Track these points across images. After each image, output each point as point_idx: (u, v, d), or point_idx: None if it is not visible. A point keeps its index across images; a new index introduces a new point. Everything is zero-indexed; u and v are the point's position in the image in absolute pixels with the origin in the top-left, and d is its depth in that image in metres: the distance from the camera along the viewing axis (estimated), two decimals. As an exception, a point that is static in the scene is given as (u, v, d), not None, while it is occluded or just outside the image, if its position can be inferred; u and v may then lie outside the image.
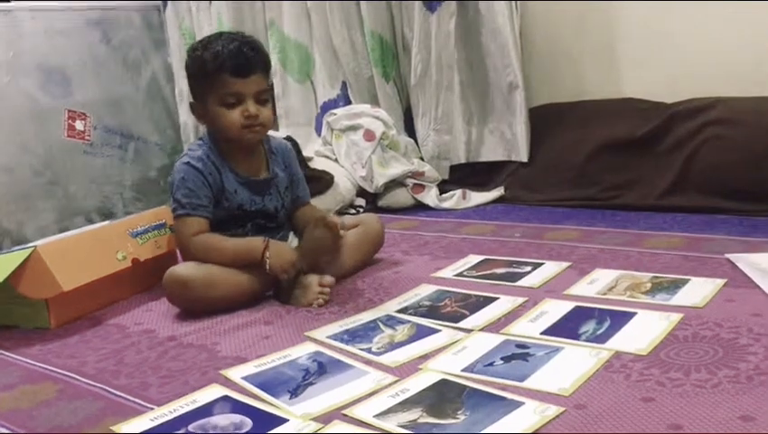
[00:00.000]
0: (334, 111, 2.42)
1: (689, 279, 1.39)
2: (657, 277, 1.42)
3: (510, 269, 1.57)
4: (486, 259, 1.66)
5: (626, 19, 2.18)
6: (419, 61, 2.37)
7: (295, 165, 1.67)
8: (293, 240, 1.62)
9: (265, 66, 1.54)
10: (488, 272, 1.57)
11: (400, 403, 1.01)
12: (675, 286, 1.36)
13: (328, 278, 1.47)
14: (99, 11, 2.78)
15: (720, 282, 1.35)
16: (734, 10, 1.97)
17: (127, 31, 2.87)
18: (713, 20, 2.02)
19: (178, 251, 1.67)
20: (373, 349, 1.21)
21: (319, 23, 2.54)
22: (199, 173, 1.50)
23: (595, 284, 1.42)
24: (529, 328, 1.23)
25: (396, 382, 1.08)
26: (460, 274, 1.58)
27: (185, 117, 2.94)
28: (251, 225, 1.56)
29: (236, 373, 1.16)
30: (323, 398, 1.06)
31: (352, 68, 2.52)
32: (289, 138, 2.05)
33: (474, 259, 1.67)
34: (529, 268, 1.56)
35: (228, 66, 1.47)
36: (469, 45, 2.33)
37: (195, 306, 1.45)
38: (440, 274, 1.59)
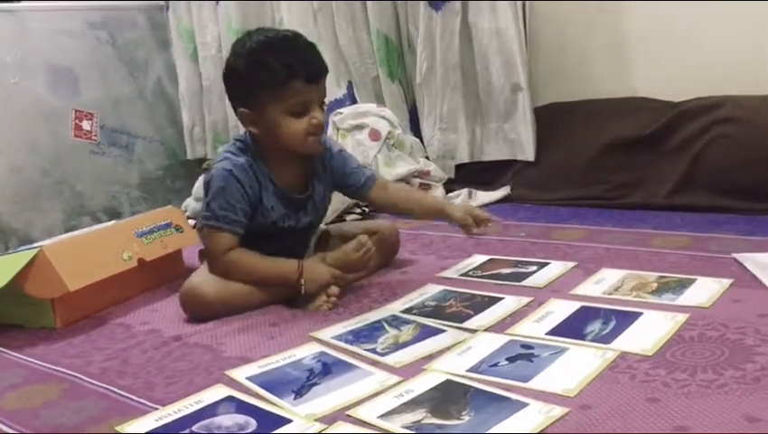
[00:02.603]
0: (340, 110, 2.42)
1: (696, 279, 1.38)
2: (663, 276, 1.41)
3: (516, 269, 1.56)
4: (492, 259, 1.66)
5: (633, 18, 2.17)
6: (424, 60, 2.36)
7: (338, 160, 1.56)
8: (309, 251, 1.60)
9: (327, 69, 1.46)
10: (493, 272, 1.57)
11: (404, 404, 1.01)
12: (681, 285, 1.36)
13: (334, 289, 1.45)
14: (104, 11, 2.80)
15: (727, 282, 1.35)
16: (741, 8, 1.96)
17: (132, 31, 2.89)
18: (720, 18, 2.00)
19: (200, 255, 1.65)
20: (378, 349, 1.21)
21: (325, 23, 2.54)
22: (240, 185, 1.42)
23: (601, 284, 1.41)
24: (534, 328, 1.23)
25: (400, 382, 1.08)
26: (465, 274, 1.58)
27: (186, 116, 2.95)
28: (278, 244, 1.48)
29: (240, 374, 1.16)
30: (327, 398, 1.06)
31: (358, 67, 2.52)
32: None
33: (480, 258, 1.67)
34: (534, 268, 1.55)
35: (301, 73, 1.37)
36: (474, 45, 2.32)
37: (207, 317, 1.42)
38: (445, 274, 1.58)
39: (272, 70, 1.37)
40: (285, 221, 1.49)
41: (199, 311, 1.43)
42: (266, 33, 1.46)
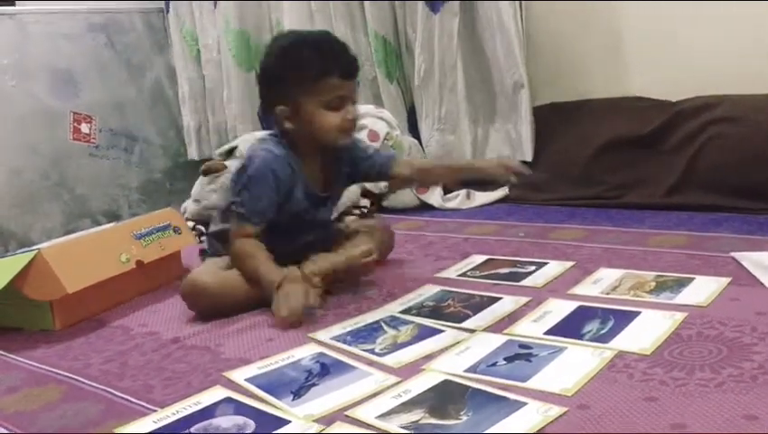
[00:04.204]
0: (338, 112, 2.42)
1: (694, 278, 1.38)
2: (661, 275, 1.41)
3: (514, 269, 1.56)
4: (490, 259, 1.66)
5: (630, 17, 2.17)
6: (422, 61, 2.36)
7: (356, 152, 1.59)
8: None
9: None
10: (491, 272, 1.57)
11: (403, 404, 1.01)
12: (679, 284, 1.36)
13: (315, 279, 1.44)
14: (103, 14, 2.80)
15: (725, 281, 1.35)
16: (738, 8, 1.96)
17: (131, 34, 2.89)
18: (717, 18, 2.00)
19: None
20: (377, 350, 1.21)
21: (323, 24, 2.54)
22: (274, 177, 1.45)
23: (599, 283, 1.41)
24: (532, 328, 1.23)
25: (398, 382, 1.08)
26: (463, 274, 1.58)
27: (188, 118, 2.95)
28: (302, 242, 1.52)
29: (239, 375, 1.16)
30: (325, 399, 1.06)
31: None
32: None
33: (478, 259, 1.67)
34: (532, 268, 1.55)
35: (336, 68, 1.42)
36: (473, 45, 2.33)
37: (208, 309, 1.44)
38: (443, 274, 1.59)
39: (308, 65, 1.41)
40: (307, 214, 1.54)
41: (199, 302, 1.44)
42: (297, 33, 1.53)
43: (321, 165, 1.55)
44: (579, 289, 1.40)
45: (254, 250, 1.45)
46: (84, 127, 2.74)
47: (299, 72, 1.42)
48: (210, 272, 1.47)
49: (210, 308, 1.44)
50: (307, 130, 1.47)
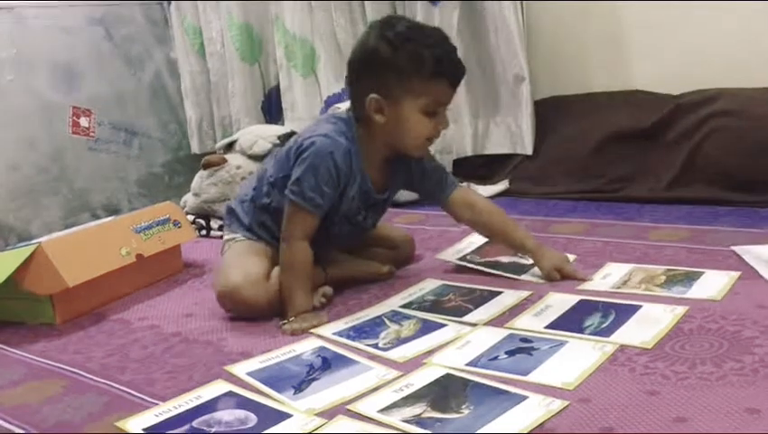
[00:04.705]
0: (338, 105, 2.41)
1: (704, 272, 1.37)
2: (671, 269, 1.41)
3: (516, 259, 1.55)
4: (489, 242, 1.63)
5: (631, 11, 2.16)
6: (423, 54, 2.35)
7: (424, 163, 1.49)
8: (339, 255, 1.57)
9: None
10: (492, 259, 1.57)
11: (404, 398, 1.01)
12: (689, 278, 1.35)
13: (329, 290, 1.45)
14: (102, 7, 2.79)
15: (735, 274, 1.34)
16: (739, 2, 1.95)
17: (130, 27, 2.87)
18: (717, 11, 2.00)
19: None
20: (380, 345, 1.21)
21: (323, 18, 2.53)
22: (336, 169, 1.35)
23: (609, 278, 1.40)
24: (533, 322, 1.23)
25: (400, 376, 1.08)
26: (463, 258, 1.58)
27: (190, 112, 2.95)
28: (333, 237, 1.45)
29: (241, 369, 1.16)
30: (327, 393, 1.06)
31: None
32: (293, 132, 2.05)
33: (478, 239, 1.64)
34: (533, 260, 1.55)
35: (448, 74, 1.33)
36: (474, 38, 2.32)
37: (243, 315, 1.39)
38: (443, 256, 1.60)
39: (426, 64, 1.31)
40: (356, 216, 1.46)
41: (239, 310, 1.39)
42: (415, 23, 1.40)
43: (385, 165, 1.45)
44: (589, 284, 1.39)
45: (302, 266, 1.37)
46: (83, 121, 2.73)
47: (413, 67, 1.31)
48: (254, 283, 1.37)
49: (248, 316, 1.39)
50: (393, 130, 1.36)
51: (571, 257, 1.55)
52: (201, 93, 2.94)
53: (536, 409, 0.95)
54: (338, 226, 1.45)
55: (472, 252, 1.61)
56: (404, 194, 2.27)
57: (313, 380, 1.10)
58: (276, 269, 1.40)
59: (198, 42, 2.89)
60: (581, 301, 1.30)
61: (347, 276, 1.52)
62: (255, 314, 1.38)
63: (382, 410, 0.99)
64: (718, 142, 1.92)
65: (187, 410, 1.04)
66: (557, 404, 0.95)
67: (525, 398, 0.97)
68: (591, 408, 0.94)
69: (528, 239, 1.48)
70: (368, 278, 1.54)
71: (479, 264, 1.55)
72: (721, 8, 1.99)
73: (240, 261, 1.42)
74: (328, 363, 1.16)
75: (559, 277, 1.42)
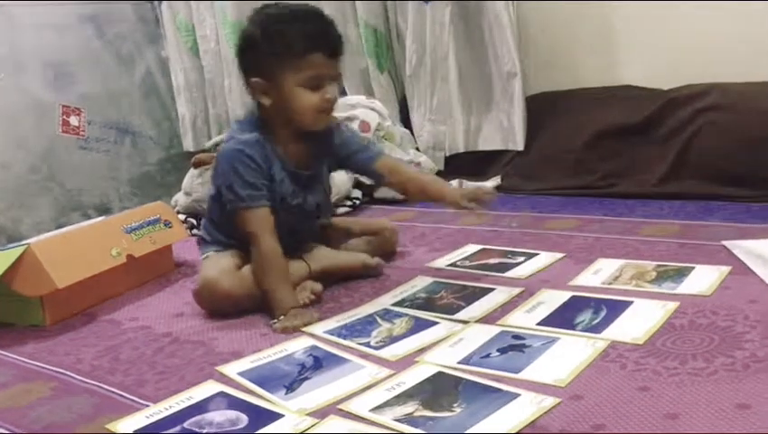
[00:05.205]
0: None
1: (694, 267, 1.38)
2: (661, 265, 1.41)
3: (504, 260, 1.56)
4: (484, 249, 1.65)
5: (622, 6, 2.17)
6: (414, 51, 2.35)
7: (344, 135, 1.53)
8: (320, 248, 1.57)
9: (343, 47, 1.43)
10: (481, 262, 1.57)
11: (396, 397, 1.01)
12: (680, 274, 1.35)
13: (318, 287, 1.44)
14: (92, 5, 2.77)
15: (725, 269, 1.34)
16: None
17: (121, 25, 2.86)
18: (708, 6, 2.00)
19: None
20: (372, 343, 1.21)
21: (313, 14, 2.52)
22: (251, 160, 1.39)
23: (600, 274, 1.41)
24: (525, 319, 1.23)
25: (392, 375, 1.08)
26: (453, 264, 1.58)
27: (183, 109, 2.93)
28: (287, 229, 1.43)
29: (232, 369, 1.16)
30: (318, 393, 1.05)
31: (346, 59, 2.50)
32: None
33: (472, 248, 1.66)
34: (521, 259, 1.55)
35: (320, 46, 1.36)
36: (466, 34, 2.32)
37: (223, 311, 1.40)
38: (434, 264, 1.59)
39: (293, 40, 1.35)
40: (294, 198, 1.47)
41: (217, 305, 1.40)
42: (285, 4, 1.45)
43: (303, 141, 1.47)
44: (580, 280, 1.39)
45: (275, 262, 1.38)
46: (73, 120, 2.72)
47: (282, 46, 1.36)
48: (229, 274, 1.40)
49: (227, 309, 1.40)
50: (283, 108, 1.40)
51: (559, 254, 1.55)
52: (194, 91, 2.92)
53: (528, 406, 0.94)
54: (283, 214, 1.44)
55: (462, 259, 1.60)
56: (395, 192, 2.26)
57: (305, 379, 1.10)
58: (248, 268, 1.41)
59: (191, 39, 2.88)
60: (573, 297, 1.30)
61: (331, 268, 1.51)
62: (234, 307, 1.38)
63: (374, 410, 0.98)
64: (709, 137, 1.92)
65: (178, 412, 1.04)
66: (550, 401, 0.95)
67: (517, 395, 0.97)
68: (583, 405, 0.94)
69: (445, 186, 1.52)
70: (354, 271, 1.53)
71: (468, 267, 1.55)
72: (711, 4, 1.99)
73: (213, 262, 1.46)
74: (320, 362, 1.16)
75: (467, 201, 1.41)
